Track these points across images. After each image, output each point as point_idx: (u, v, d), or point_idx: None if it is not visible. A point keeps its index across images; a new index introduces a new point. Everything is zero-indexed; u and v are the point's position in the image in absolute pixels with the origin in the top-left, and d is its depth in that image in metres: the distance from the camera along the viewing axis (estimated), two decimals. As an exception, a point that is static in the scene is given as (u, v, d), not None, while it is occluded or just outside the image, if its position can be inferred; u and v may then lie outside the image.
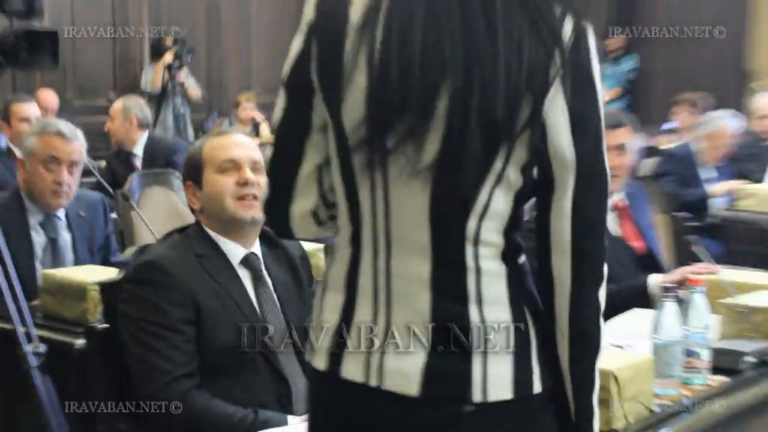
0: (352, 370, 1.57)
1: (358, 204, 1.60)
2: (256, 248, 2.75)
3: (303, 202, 1.66)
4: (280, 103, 1.66)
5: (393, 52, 1.50)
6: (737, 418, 2.68)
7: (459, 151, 1.51)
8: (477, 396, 1.54)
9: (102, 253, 4.04)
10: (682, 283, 3.06)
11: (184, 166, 2.73)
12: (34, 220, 3.87)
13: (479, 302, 1.56)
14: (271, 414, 2.50)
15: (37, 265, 3.81)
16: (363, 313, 1.59)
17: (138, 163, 6.16)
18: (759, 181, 6.49)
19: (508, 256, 1.61)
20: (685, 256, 4.00)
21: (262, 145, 7.63)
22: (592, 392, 1.66)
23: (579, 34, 1.53)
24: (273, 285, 2.74)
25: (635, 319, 3.08)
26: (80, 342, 3.10)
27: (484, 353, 1.55)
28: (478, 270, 1.57)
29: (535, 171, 1.60)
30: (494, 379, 1.55)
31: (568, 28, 1.52)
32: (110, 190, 4.87)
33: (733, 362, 2.84)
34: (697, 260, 3.68)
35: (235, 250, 2.66)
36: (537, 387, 1.59)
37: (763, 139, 7.12)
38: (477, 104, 1.48)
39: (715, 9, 10.30)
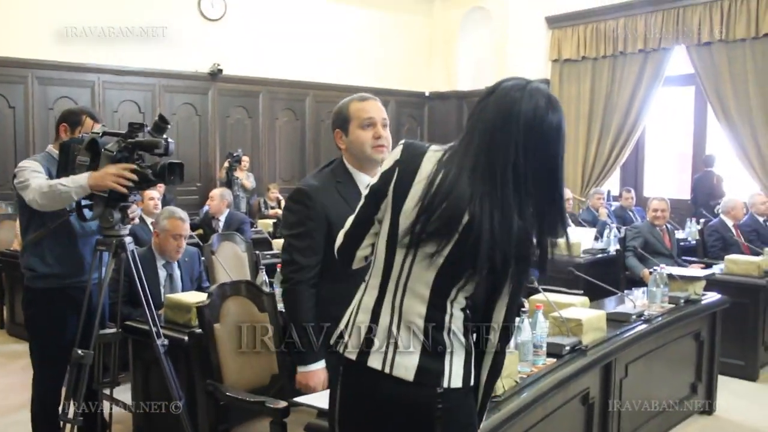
0: (374, 361, 1.56)
1: (392, 264, 1.58)
2: None
3: (363, 251, 1.65)
4: (367, 194, 1.63)
5: (438, 193, 1.49)
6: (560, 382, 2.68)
7: (462, 258, 1.50)
8: (445, 384, 1.55)
9: (197, 282, 3.96)
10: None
11: (334, 118, 2.38)
12: (159, 263, 3.79)
13: (449, 331, 1.56)
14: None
15: (162, 290, 3.73)
16: (383, 328, 1.58)
17: (219, 226, 6.03)
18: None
19: (466, 309, 1.60)
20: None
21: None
22: (491, 390, 1.70)
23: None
24: None
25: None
26: (186, 338, 3.02)
27: (450, 360, 1.56)
28: (451, 314, 1.56)
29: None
30: (454, 375, 1.56)
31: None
32: (201, 244, 4.77)
33: (558, 350, 2.84)
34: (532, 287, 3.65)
35: (364, 179, 2.30)
36: (472, 382, 1.61)
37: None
38: (487, 235, 1.45)
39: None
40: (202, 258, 4.30)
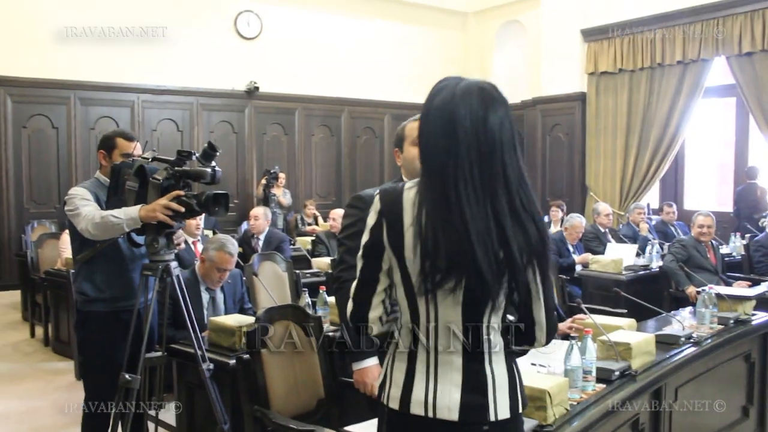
0: (417, 408, 1.52)
1: (417, 311, 1.53)
2: None
3: (375, 312, 1.59)
4: (361, 254, 1.58)
5: (429, 235, 1.44)
6: (611, 410, 2.62)
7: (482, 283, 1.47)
8: (491, 417, 1.52)
9: (240, 304, 3.96)
10: (572, 329, 3.03)
11: (395, 139, 2.49)
12: (202, 287, 3.80)
13: (489, 361, 1.54)
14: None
15: (205, 313, 3.74)
16: (421, 374, 1.54)
17: (259, 245, 6.01)
18: (600, 253, 6.44)
19: (509, 328, 1.57)
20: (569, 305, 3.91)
21: (319, 233, 7.65)
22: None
23: None
24: None
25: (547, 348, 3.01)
26: (232, 362, 3.02)
27: (494, 391, 1.53)
28: (489, 342, 1.53)
29: None
30: (500, 406, 1.53)
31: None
32: (242, 264, 4.79)
33: (608, 375, 2.77)
34: (577, 308, 3.60)
35: None
36: (520, 408, 1.58)
37: (602, 230, 7.09)
38: (488, 266, 1.43)
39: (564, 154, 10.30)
40: (244, 278, 4.31)
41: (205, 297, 3.77)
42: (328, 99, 10.01)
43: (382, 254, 1.54)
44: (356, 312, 1.60)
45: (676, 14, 8.76)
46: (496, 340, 1.54)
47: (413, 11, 10.72)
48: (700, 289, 3.90)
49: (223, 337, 3.23)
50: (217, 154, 2.87)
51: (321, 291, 3.71)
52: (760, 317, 4.05)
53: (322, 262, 5.56)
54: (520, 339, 1.59)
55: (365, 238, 1.57)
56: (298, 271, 5.11)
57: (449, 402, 1.50)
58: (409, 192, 1.52)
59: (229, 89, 9.19)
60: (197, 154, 2.85)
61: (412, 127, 2.39)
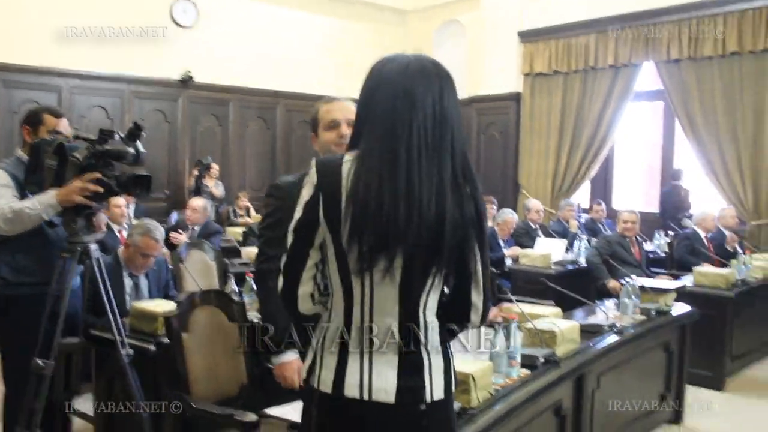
0: (352, 390, 1.48)
1: (351, 291, 1.49)
2: None
3: (305, 287, 1.53)
4: (293, 228, 1.52)
5: (366, 207, 1.41)
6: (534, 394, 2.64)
7: (422, 260, 1.45)
8: (428, 398, 1.49)
9: (164, 290, 3.85)
10: (498, 317, 3.05)
11: (310, 122, 2.41)
12: (125, 273, 3.68)
13: (426, 342, 1.51)
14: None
15: (127, 298, 3.62)
16: (355, 356, 1.50)
17: (194, 236, 5.81)
18: (530, 248, 6.54)
19: (437, 324, 1.54)
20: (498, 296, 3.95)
21: (251, 224, 7.54)
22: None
23: None
24: None
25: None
26: (152, 348, 2.94)
27: (430, 372, 1.50)
28: (425, 324, 1.51)
29: None
30: (435, 387, 1.51)
31: None
32: (168, 251, 4.65)
33: (533, 361, 2.81)
34: (506, 297, 3.64)
35: None
36: (453, 387, 1.57)
37: (533, 226, 7.21)
38: (425, 240, 1.42)
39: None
40: (170, 266, 4.20)
41: (128, 283, 3.65)
42: (264, 91, 9.86)
43: (316, 230, 1.49)
44: (286, 288, 1.55)
45: (609, 20, 8.97)
46: (432, 321, 1.52)
47: (353, 7, 10.68)
48: (623, 281, 4.00)
49: (145, 323, 3.14)
50: (143, 134, 2.77)
51: (248, 278, 3.64)
52: (679, 309, 4.19)
53: (253, 252, 5.46)
54: (453, 319, 1.57)
55: (298, 213, 1.51)
56: (227, 260, 5.01)
57: (385, 384, 1.47)
58: (347, 164, 1.47)
59: (162, 78, 8.95)
60: (122, 135, 2.75)
61: (325, 110, 2.34)
